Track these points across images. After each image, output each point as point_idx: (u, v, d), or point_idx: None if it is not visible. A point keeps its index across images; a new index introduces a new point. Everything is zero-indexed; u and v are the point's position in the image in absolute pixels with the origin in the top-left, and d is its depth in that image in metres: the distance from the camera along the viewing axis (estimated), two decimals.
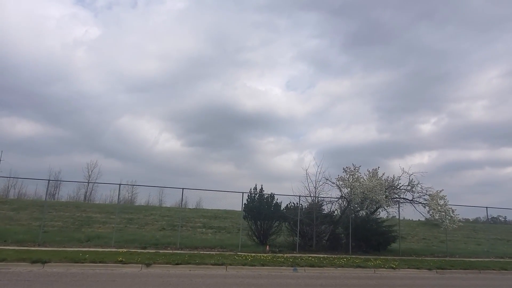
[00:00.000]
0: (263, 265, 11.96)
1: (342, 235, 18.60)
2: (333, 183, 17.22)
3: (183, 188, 16.63)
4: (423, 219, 17.57)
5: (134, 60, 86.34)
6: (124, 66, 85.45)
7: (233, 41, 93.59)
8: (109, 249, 13.91)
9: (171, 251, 14.21)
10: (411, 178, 17.41)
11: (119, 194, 18.34)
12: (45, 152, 72.02)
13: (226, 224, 27.17)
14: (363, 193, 16.27)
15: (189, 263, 11.46)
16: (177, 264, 11.26)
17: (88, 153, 79.13)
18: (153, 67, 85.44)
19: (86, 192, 39.63)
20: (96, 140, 75.74)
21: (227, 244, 16.79)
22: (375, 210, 18.37)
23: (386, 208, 17.38)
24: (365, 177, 17.06)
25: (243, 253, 14.47)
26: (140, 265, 10.87)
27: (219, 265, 11.57)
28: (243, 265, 11.81)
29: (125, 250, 13.85)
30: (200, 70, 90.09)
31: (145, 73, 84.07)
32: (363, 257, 15.42)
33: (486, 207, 20.21)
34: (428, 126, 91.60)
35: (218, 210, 29.33)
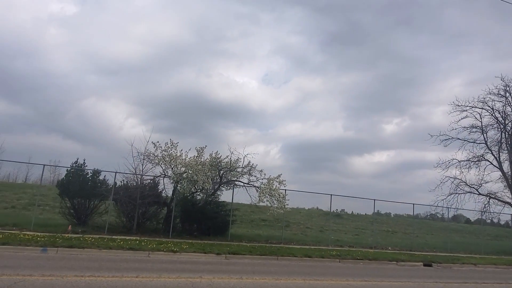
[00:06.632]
0: (3, 244, 10.30)
1: (178, 218, 17.36)
2: (151, 160, 15.73)
3: None
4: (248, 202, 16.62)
5: (109, 42, 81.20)
6: (97, 46, 79.92)
7: (213, 30, 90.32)
8: None
9: None
10: (248, 161, 16.56)
11: None
12: None
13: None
14: (186, 172, 15.05)
15: None
16: None
17: (45, 133, 74.75)
18: (128, 50, 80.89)
19: None
20: (57, 121, 70.28)
21: (25, 223, 14.88)
22: (213, 193, 17.31)
23: (216, 190, 16.34)
24: (191, 157, 15.84)
25: (27, 232, 12.75)
26: None
27: None
28: None
29: None
30: (177, 56, 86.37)
31: (119, 56, 79.40)
32: (177, 240, 14.21)
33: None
34: (390, 126, 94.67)
35: None
